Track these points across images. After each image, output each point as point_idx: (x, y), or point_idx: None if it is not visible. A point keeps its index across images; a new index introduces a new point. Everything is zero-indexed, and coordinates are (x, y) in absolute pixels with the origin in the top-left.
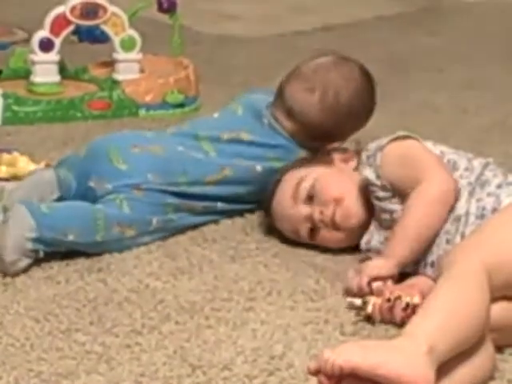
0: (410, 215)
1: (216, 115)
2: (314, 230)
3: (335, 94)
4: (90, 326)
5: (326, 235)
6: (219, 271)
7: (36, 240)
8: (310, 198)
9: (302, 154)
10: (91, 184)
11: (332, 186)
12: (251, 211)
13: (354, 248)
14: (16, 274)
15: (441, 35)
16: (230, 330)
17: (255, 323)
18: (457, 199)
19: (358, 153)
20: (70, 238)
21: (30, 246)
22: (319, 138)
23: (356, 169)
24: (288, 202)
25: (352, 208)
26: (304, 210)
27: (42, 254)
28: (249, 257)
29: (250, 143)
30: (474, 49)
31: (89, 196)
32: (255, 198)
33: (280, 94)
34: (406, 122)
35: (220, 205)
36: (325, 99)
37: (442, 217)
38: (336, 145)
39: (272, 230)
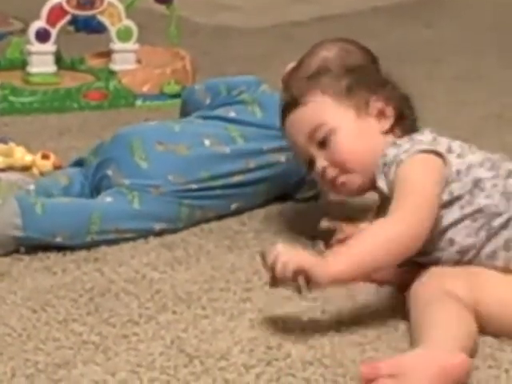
0: (369, 239)
1: (232, 114)
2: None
3: None
4: (86, 316)
5: None
6: (216, 261)
7: (20, 239)
8: (322, 145)
9: None
10: (109, 172)
11: (348, 150)
12: None
13: None
14: (11, 265)
15: (437, 27)
16: (227, 320)
17: (252, 313)
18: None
19: (401, 117)
20: (58, 239)
21: (11, 243)
22: None
23: (387, 132)
24: (302, 136)
25: (356, 183)
26: (312, 150)
27: (22, 250)
28: (246, 247)
29: (276, 137)
30: (470, 40)
31: (103, 184)
32: (273, 195)
33: (287, 90)
34: None
35: (234, 207)
36: None
37: (394, 258)
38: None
39: (270, 219)
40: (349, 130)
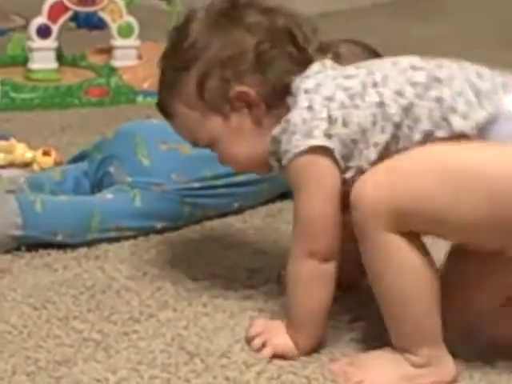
0: (290, 300)
1: None
2: None
3: None
4: (87, 313)
5: None
6: (217, 259)
7: (20, 238)
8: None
9: None
10: (111, 169)
11: (231, 157)
12: None
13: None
14: (12, 262)
15: (439, 22)
16: (228, 318)
17: (253, 311)
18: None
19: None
20: (59, 238)
21: (12, 242)
22: None
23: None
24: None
25: (260, 172)
26: None
27: (23, 248)
28: (247, 244)
29: None
30: (468, 36)
31: (105, 181)
32: (275, 194)
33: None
34: None
35: (236, 205)
36: None
37: (327, 287)
38: None
39: (271, 217)
40: (223, 138)
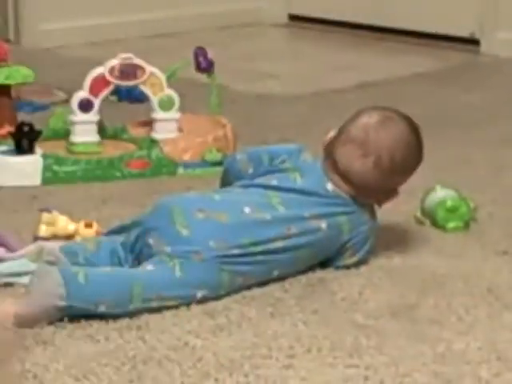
0: None
1: (274, 182)
2: None
3: (389, 157)
4: None
5: None
6: (258, 328)
7: (63, 308)
8: None
9: (364, 209)
10: (150, 241)
11: None
12: None
13: (395, 306)
14: (55, 333)
15: (477, 91)
16: None
17: (295, 380)
18: None
19: None
20: (101, 308)
21: (55, 312)
22: (377, 194)
23: None
24: None
25: None
26: None
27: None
28: (288, 314)
29: (318, 204)
30: (510, 104)
31: (145, 252)
32: (314, 262)
33: (331, 159)
34: (441, 177)
35: (275, 273)
36: (380, 163)
37: None
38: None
39: (312, 285)
40: None
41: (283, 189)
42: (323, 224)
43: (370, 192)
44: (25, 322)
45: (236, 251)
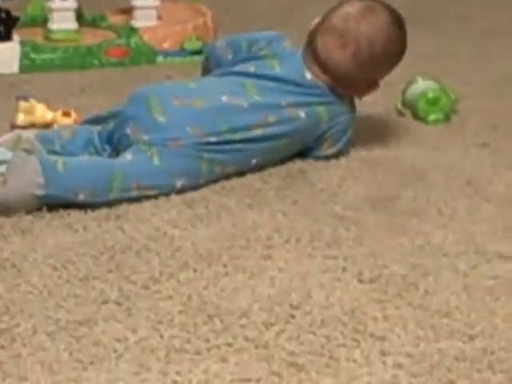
0: None
1: (252, 69)
2: None
3: (369, 47)
4: (107, 273)
5: None
6: (237, 219)
7: (42, 197)
8: None
9: (343, 100)
10: (127, 130)
11: None
12: None
13: (375, 198)
14: (33, 222)
15: None
16: (248, 278)
17: (273, 271)
18: None
19: None
20: (81, 197)
21: (34, 201)
22: (357, 86)
23: None
24: None
25: None
26: None
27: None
28: (267, 204)
29: (295, 93)
30: None
31: (123, 143)
32: (294, 151)
33: (312, 48)
34: (423, 68)
35: (254, 162)
36: (359, 54)
37: None
38: None
39: (290, 177)
40: None
41: (260, 76)
42: (301, 113)
43: (349, 83)
44: (2, 211)
45: (213, 138)
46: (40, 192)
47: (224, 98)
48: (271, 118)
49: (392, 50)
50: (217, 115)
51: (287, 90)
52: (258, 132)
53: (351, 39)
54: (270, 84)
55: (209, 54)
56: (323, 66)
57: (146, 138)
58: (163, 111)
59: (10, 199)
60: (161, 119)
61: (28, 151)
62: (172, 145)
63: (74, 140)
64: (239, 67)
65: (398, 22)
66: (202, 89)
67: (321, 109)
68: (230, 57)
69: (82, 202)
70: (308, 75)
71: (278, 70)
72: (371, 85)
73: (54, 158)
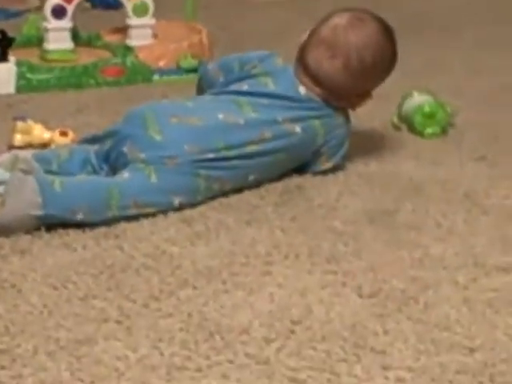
0: None
1: (245, 87)
2: None
3: (358, 58)
4: (107, 292)
5: None
6: (236, 236)
7: (41, 217)
8: None
9: (338, 113)
10: (124, 149)
11: None
12: None
13: (373, 212)
14: (32, 242)
15: None
16: (248, 295)
17: (272, 287)
18: None
19: None
20: (79, 216)
21: (32, 221)
22: (350, 97)
23: None
24: None
25: None
26: None
27: (43, 228)
28: (265, 221)
29: (290, 108)
30: (489, 9)
31: (120, 162)
32: (291, 167)
33: (302, 62)
34: (418, 82)
35: (251, 178)
36: (349, 64)
37: None
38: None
39: (289, 192)
40: None
41: (255, 94)
42: (297, 128)
43: (341, 94)
44: (1, 232)
45: (210, 155)
46: (38, 212)
47: (220, 116)
48: (267, 134)
49: (382, 59)
50: (213, 132)
51: (282, 106)
52: (253, 148)
53: (340, 50)
54: (265, 101)
55: (202, 76)
56: (315, 79)
57: (143, 156)
58: (160, 129)
59: (8, 220)
60: (157, 137)
61: (25, 171)
62: (169, 163)
63: (71, 159)
64: (233, 86)
65: (386, 31)
66: (198, 107)
67: (316, 123)
68: (221, 79)
69: (80, 221)
70: (301, 89)
71: (271, 87)
72: (364, 95)
73: (51, 177)
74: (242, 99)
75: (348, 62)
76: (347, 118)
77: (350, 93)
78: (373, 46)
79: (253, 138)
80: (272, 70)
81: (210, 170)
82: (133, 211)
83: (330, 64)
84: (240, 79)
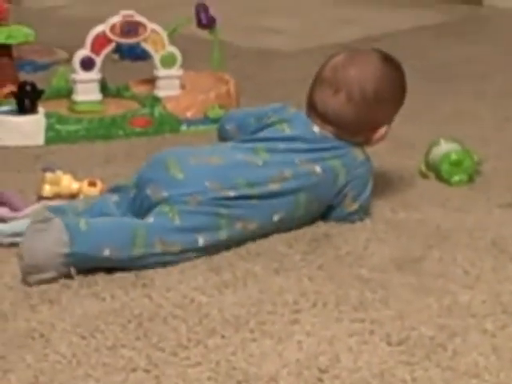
0: None
1: (263, 134)
2: None
3: (360, 89)
4: (135, 341)
5: None
6: (263, 284)
7: (68, 255)
8: None
9: (357, 151)
10: (148, 192)
11: None
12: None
13: (400, 260)
14: (60, 292)
15: (480, 44)
16: (276, 343)
17: (300, 335)
18: None
19: None
20: (106, 253)
21: (60, 260)
22: (362, 132)
23: None
24: None
25: None
26: None
27: (73, 272)
28: (293, 269)
29: (306, 150)
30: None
31: (144, 205)
32: (315, 209)
33: (311, 104)
34: (446, 130)
35: (276, 218)
36: (352, 96)
37: None
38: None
39: (317, 240)
40: None
41: (271, 139)
42: (317, 168)
43: (352, 129)
44: (30, 274)
45: (232, 193)
46: (66, 250)
47: (239, 156)
48: (287, 173)
49: (385, 88)
50: (234, 169)
51: (299, 149)
52: (274, 186)
53: (341, 84)
54: (281, 145)
55: (220, 133)
56: (324, 117)
57: (165, 194)
58: (181, 169)
59: (37, 260)
60: (179, 176)
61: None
62: (191, 201)
63: (90, 211)
64: (251, 137)
65: (387, 61)
66: (217, 149)
67: (336, 163)
68: (239, 136)
69: (107, 258)
70: (315, 128)
71: (288, 131)
72: (376, 129)
73: (75, 218)
74: (259, 145)
75: (351, 95)
76: (366, 155)
77: (362, 127)
78: (374, 76)
79: (273, 176)
80: (287, 116)
81: (231, 209)
82: (159, 248)
83: (335, 100)
84: (258, 130)
